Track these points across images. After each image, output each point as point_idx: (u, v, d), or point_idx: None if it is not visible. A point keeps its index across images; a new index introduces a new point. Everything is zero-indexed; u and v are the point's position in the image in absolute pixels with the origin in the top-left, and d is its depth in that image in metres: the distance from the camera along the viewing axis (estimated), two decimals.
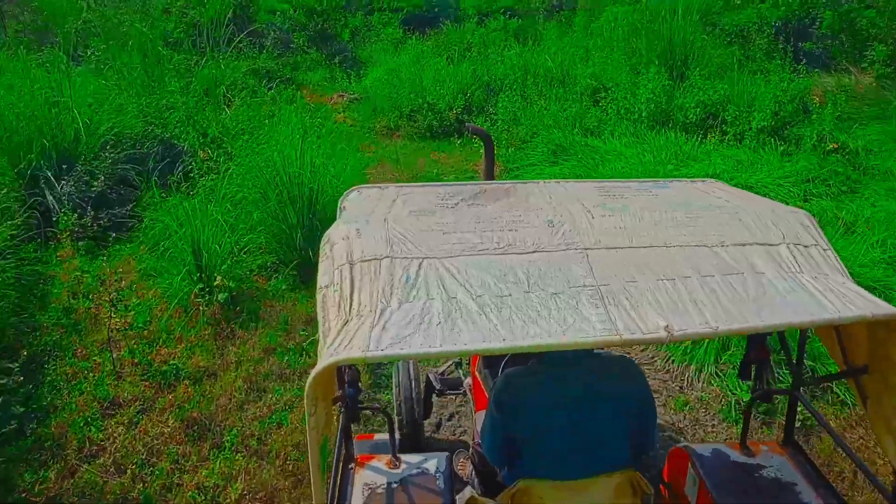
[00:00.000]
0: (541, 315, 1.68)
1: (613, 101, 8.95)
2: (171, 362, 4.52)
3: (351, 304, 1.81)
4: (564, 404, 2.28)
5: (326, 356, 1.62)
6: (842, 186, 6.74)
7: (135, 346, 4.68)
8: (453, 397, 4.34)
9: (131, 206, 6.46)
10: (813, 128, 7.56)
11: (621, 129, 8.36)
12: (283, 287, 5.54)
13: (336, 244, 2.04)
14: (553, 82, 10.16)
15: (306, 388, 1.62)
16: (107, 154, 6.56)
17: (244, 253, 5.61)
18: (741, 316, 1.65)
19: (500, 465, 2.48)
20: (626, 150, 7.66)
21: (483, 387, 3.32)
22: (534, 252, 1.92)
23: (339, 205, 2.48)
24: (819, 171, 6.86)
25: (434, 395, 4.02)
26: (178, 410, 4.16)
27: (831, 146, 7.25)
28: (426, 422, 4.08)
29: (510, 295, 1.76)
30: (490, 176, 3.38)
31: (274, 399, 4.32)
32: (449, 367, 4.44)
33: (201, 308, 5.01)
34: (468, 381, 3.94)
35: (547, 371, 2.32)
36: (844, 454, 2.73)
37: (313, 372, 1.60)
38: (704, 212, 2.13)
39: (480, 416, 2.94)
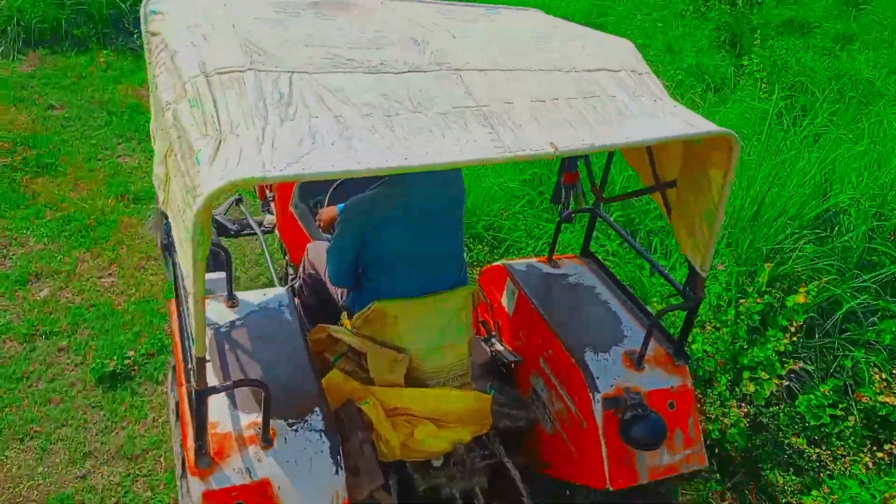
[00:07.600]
0: (434, 134, 1.67)
1: None
2: None
3: (219, 122, 1.61)
4: (411, 221, 2.38)
5: (217, 176, 1.45)
6: None
7: None
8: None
9: None
10: None
11: None
12: None
13: (179, 52, 1.77)
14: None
15: (198, 212, 1.44)
16: None
17: None
18: (610, 134, 1.81)
19: (348, 284, 2.51)
20: None
21: (300, 222, 3.24)
22: (408, 72, 1.86)
23: (142, 8, 2.09)
24: None
25: (232, 237, 3.83)
26: None
27: None
28: None
29: (398, 114, 1.70)
30: None
31: None
32: (230, 205, 4.21)
33: None
34: (270, 218, 3.80)
35: (396, 190, 2.37)
36: None
37: (206, 192, 1.43)
38: (549, 39, 2.22)
39: (314, 247, 2.89)
